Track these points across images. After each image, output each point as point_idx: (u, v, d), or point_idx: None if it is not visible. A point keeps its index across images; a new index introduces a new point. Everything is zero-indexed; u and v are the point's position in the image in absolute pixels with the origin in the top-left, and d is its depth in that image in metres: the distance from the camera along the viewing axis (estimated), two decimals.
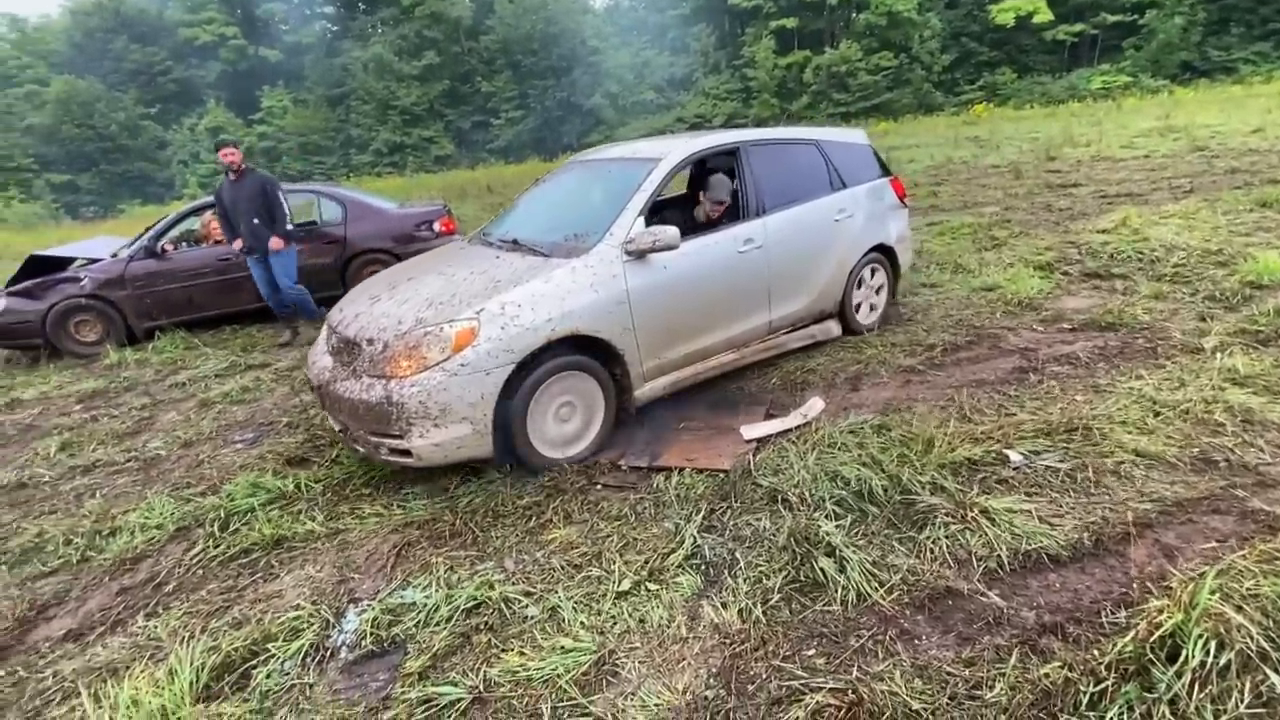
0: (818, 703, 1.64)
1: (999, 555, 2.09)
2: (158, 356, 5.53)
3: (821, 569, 2.07)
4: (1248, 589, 1.75)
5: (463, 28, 37.65)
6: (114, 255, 6.03)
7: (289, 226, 5.26)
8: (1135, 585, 1.92)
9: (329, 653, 2.01)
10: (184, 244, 6.28)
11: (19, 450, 3.95)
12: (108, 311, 5.82)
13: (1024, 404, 3.10)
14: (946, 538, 2.19)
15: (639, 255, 2.99)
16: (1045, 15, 30.98)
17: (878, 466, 2.57)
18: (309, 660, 1.99)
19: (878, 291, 4.37)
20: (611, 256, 2.95)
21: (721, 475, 2.72)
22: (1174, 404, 2.90)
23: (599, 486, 2.79)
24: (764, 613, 1.96)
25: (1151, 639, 1.61)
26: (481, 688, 1.80)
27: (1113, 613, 1.83)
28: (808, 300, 3.85)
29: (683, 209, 4.15)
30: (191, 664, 1.93)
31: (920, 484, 2.45)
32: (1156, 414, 2.84)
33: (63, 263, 6.20)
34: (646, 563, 2.22)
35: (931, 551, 2.14)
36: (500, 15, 36.60)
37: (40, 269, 6.11)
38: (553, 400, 2.85)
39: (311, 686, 1.89)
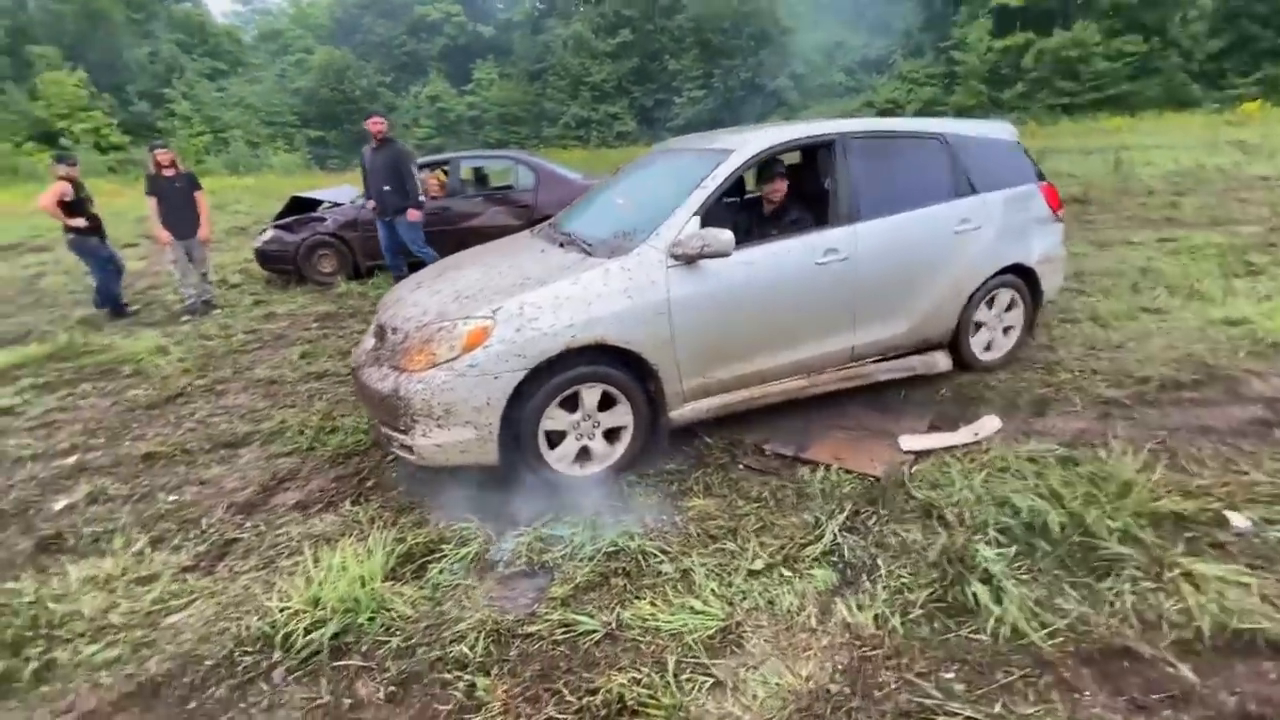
0: None
1: (1198, 626, 1.81)
2: (375, 291, 6.45)
3: (974, 594, 1.94)
4: None
5: (658, 6, 38.28)
6: (352, 201, 7.10)
7: (420, 198, 5.80)
8: None
9: (489, 564, 2.29)
10: None
11: (272, 353, 4.87)
12: (343, 249, 6.89)
13: (1261, 463, 2.60)
14: (1133, 594, 1.93)
15: (688, 260, 2.68)
16: None
17: (1057, 501, 2.32)
18: (473, 566, 2.27)
19: (1007, 327, 3.67)
20: (654, 260, 2.66)
21: (872, 480, 2.62)
22: None
23: (741, 466, 2.82)
24: (902, 624, 1.89)
25: None
26: (615, 625, 1.95)
27: None
28: (907, 326, 3.28)
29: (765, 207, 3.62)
30: (384, 548, 2.29)
31: (1108, 529, 2.17)
32: None
33: (315, 204, 7.43)
34: (782, 548, 2.23)
35: (1111, 605, 1.91)
36: None
37: (298, 208, 7.39)
38: (573, 413, 2.64)
39: (473, 589, 2.17)
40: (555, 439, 2.67)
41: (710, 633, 1.89)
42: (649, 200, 3.20)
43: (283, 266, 6.96)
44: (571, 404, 2.65)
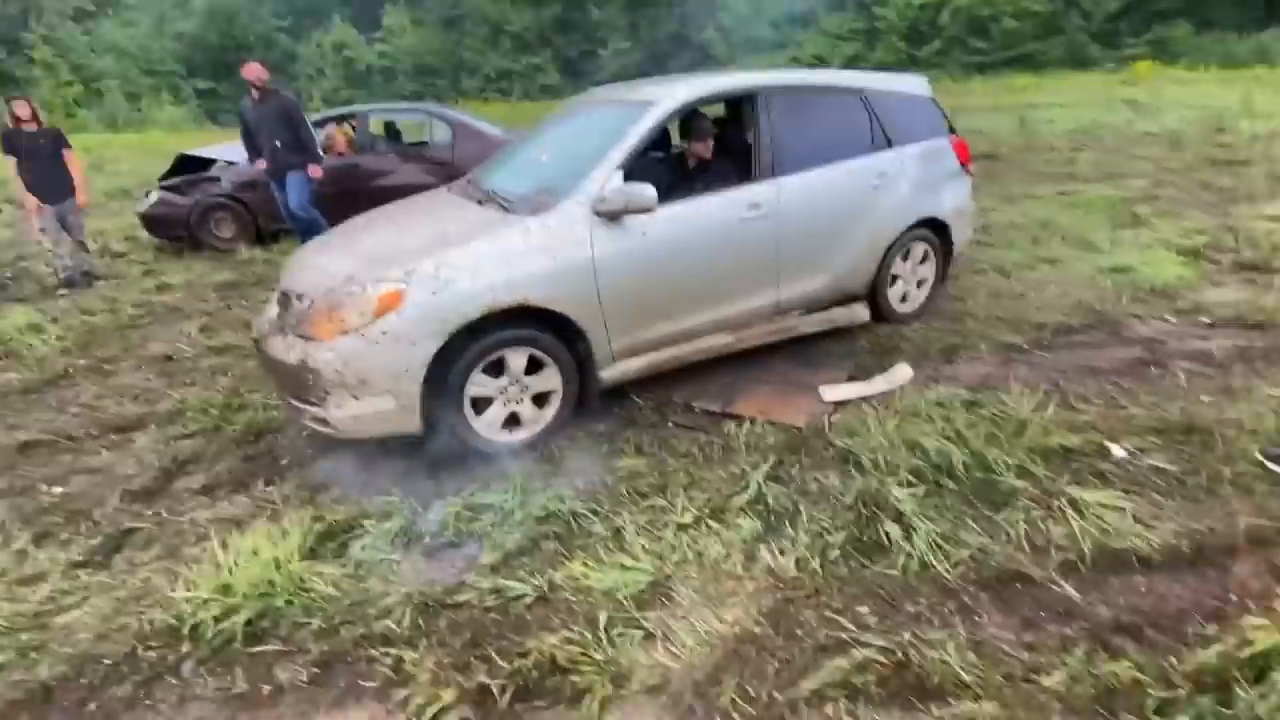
0: (865, 658, 1.66)
1: (1082, 549, 1.99)
2: (281, 256, 6.02)
3: (886, 533, 2.06)
4: None
5: None
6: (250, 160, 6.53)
7: (320, 152, 5.36)
8: (1232, 600, 1.79)
9: (415, 537, 2.23)
10: None
11: (166, 328, 4.49)
12: (242, 212, 6.36)
13: (1139, 398, 2.85)
14: (1026, 523, 2.10)
15: (612, 217, 2.61)
16: None
17: (962, 442, 2.48)
18: (398, 540, 2.21)
19: (920, 280, 3.78)
20: (577, 217, 2.58)
21: (795, 431, 2.71)
22: None
23: (670, 424, 2.85)
24: (821, 565, 1.98)
25: (1240, 655, 1.51)
26: (546, 588, 1.95)
27: (1200, 624, 1.72)
28: (828, 279, 3.33)
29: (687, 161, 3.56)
30: (301, 527, 2.19)
31: (1006, 465, 2.34)
32: None
33: (207, 163, 6.79)
34: (709, 501, 2.28)
35: (1007, 534, 2.07)
36: None
37: (187, 167, 6.74)
38: (498, 377, 2.55)
39: (398, 563, 2.11)
40: (482, 405, 2.59)
41: (641, 587, 1.93)
42: (570, 155, 3.10)
43: (174, 232, 6.38)
44: (497, 369, 2.57)
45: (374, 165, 6.37)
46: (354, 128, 6.56)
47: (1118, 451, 2.46)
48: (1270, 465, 2.33)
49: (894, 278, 3.68)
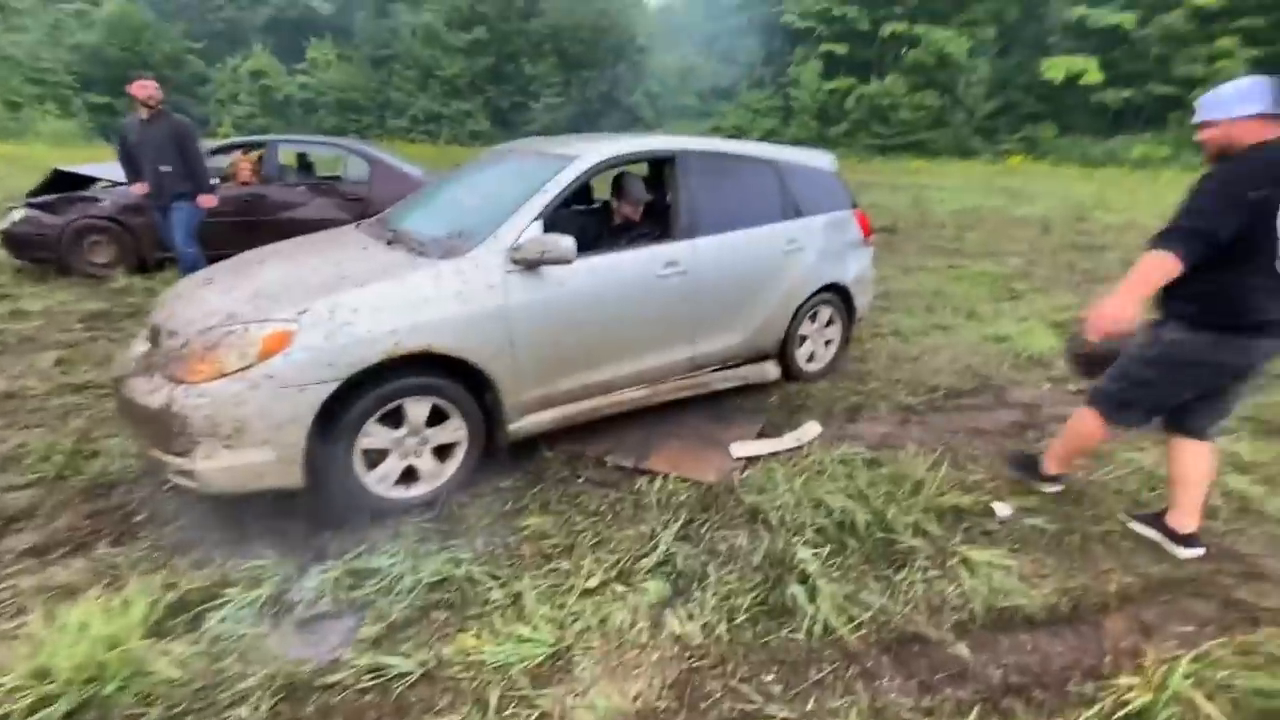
0: None
1: (973, 608, 2.05)
2: (164, 286, 5.51)
3: (792, 595, 2.04)
4: (1221, 679, 1.71)
5: (515, 8, 37.71)
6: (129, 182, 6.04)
7: (213, 182, 5.03)
8: (1108, 659, 1.88)
9: (286, 606, 1.99)
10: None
11: (15, 360, 3.95)
12: (123, 236, 5.82)
13: None
14: (923, 582, 2.15)
15: (529, 266, 2.57)
16: (1095, 76, 30.80)
17: (864, 500, 2.54)
18: (265, 611, 1.96)
19: (827, 340, 3.98)
20: (492, 264, 2.52)
21: (706, 487, 2.69)
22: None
23: (581, 479, 2.76)
24: (728, 631, 1.93)
25: (1116, 715, 1.58)
26: (433, 664, 1.78)
27: (1080, 683, 1.79)
28: (742, 337, 3.44)
29: (611, 217, 3.62)
30: (148, 597, 1.90)
31: (904, 524, 2.41)
32: (1153, 489, 2.80)
33: (86, 181, 6.22)
34: (618, 563, 2.20)
35: (905, 594, 2.11)
36: (554, 1, 36.67)
37: (63, 184, 6.13)
38: (396, 429, 2.40)
39: (263, 638, 1.87)
40: (376, 458, 2.41)
41: (539, 660, 1.79)
42: (488, 201, 3.05)
43: (40, 254, 5.73)
44: (394, 419, 2.41)
45: (281, 196, 6.05)
46: (261, 158, 6.23)
47: (1003, 511, 2.59)
48: (1133, 526, 2.53)
49: (802, 338, 3.83)
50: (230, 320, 2.23)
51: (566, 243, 2.54)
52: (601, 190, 3.81)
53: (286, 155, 6.66)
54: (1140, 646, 1.93)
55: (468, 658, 1.80)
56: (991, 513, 2.58)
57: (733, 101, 37.55)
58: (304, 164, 7.04)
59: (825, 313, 3.90)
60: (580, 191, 3.37)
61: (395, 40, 37.92)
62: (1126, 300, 2.04)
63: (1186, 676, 1.64)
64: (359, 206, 6.18)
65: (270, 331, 2.15)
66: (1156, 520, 2.45)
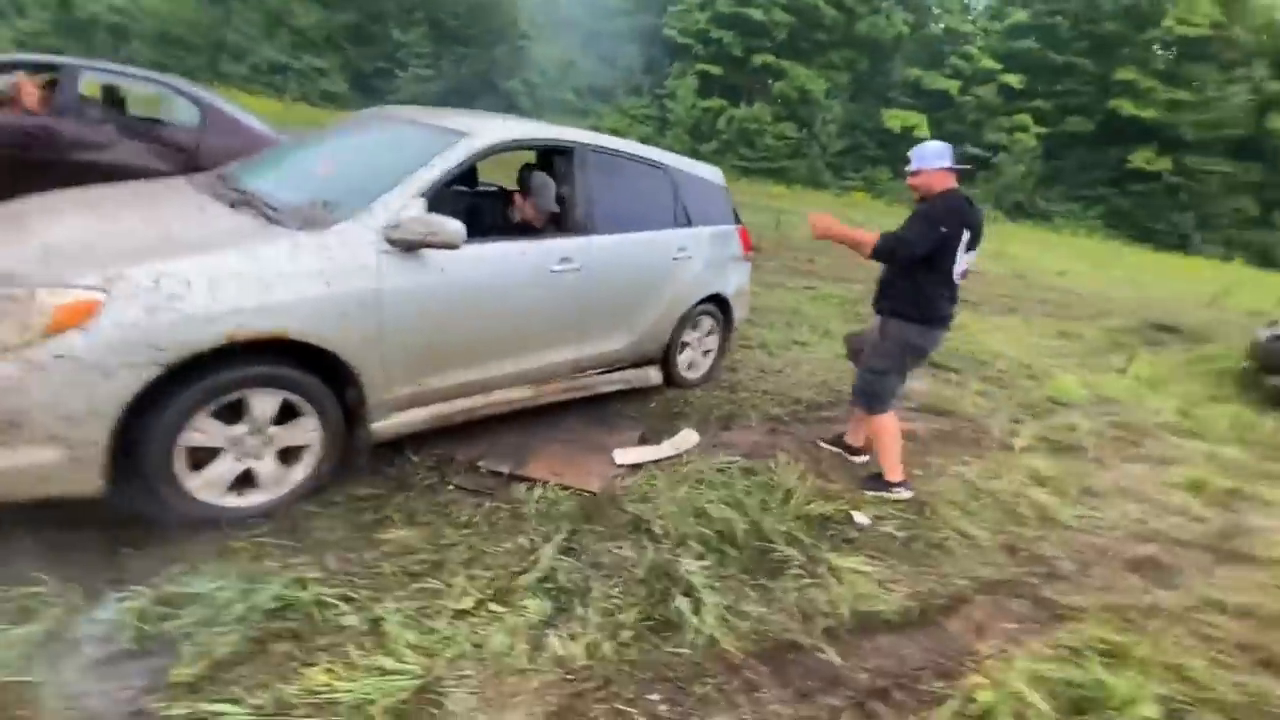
0: None
1: (841, 613, 2.16)
2: None
3: (678, 608, 2.01)
4: (1040, 672, 1.95)
5: None
6: None
7: None
8: (951, 657, 2.07)
9: (70, 645, 1.58)
10: None
11: None
12: None
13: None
14: (797, 590, 2.23)
15: (407, 247, 2.30)
16: (924, 131, 35.26)
17: (741, 509, 2.60)
18: (41, 651, 1.54)
19: (706, 350, 4.03)
20: (364, 240, 2.22)
21: (588, 496, 2.59)
22: (990, 491, 3.25)
23: (451, 487, 2.54)
24: (614, 649, 1.85)
25: (967, 712, 1.73)
26: (272, 708, 1.50)
27: (932, 681, 1.95)
28: (629, 341, 3.38)
29: (505, 207, 3.45)
30: None
31: (778, 532, 2.50)
32: (976, 498, 3.17)
33: None
34: (494, 580, 2.03)
35: (781, 602, 2.17)
36: None
37: None
38: (232, 425, 2.04)
39: (38, 687, 1.46)
40: (203, 457, 2.02)
41: (403, 696, 1.59)
42: (360, 171, 2.72)
43: None
44: (232, 412, 2.03)
45: (77, 133, 4.94)
46: (52, 82, 5.08)
47: (860, 519, 2.79)
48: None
49: (684, 345, 3.87)
50: (6, 281, 1.74)
51: (454, 226, 2.30)
52: (491, 174, 3.57)
53: (90, 86, 5.50)
54: (973, 645, 2.15)
55: (317, 697, 1.54)
56: (852, 520, 2.77)
57: (610, 104, 37.89)
58: (113, 99, 5.83)
59: (706, 323, 3.98)
60: (465, 172, 3.12)
61: None
62: (839, 233, 2.90)
63: (1020, 673, 1.84)
64: (182, 158, 5.24)
65: (68, 300, 1.72)
66: (878, 481, 3.07)
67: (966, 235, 2.73)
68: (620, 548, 2.29)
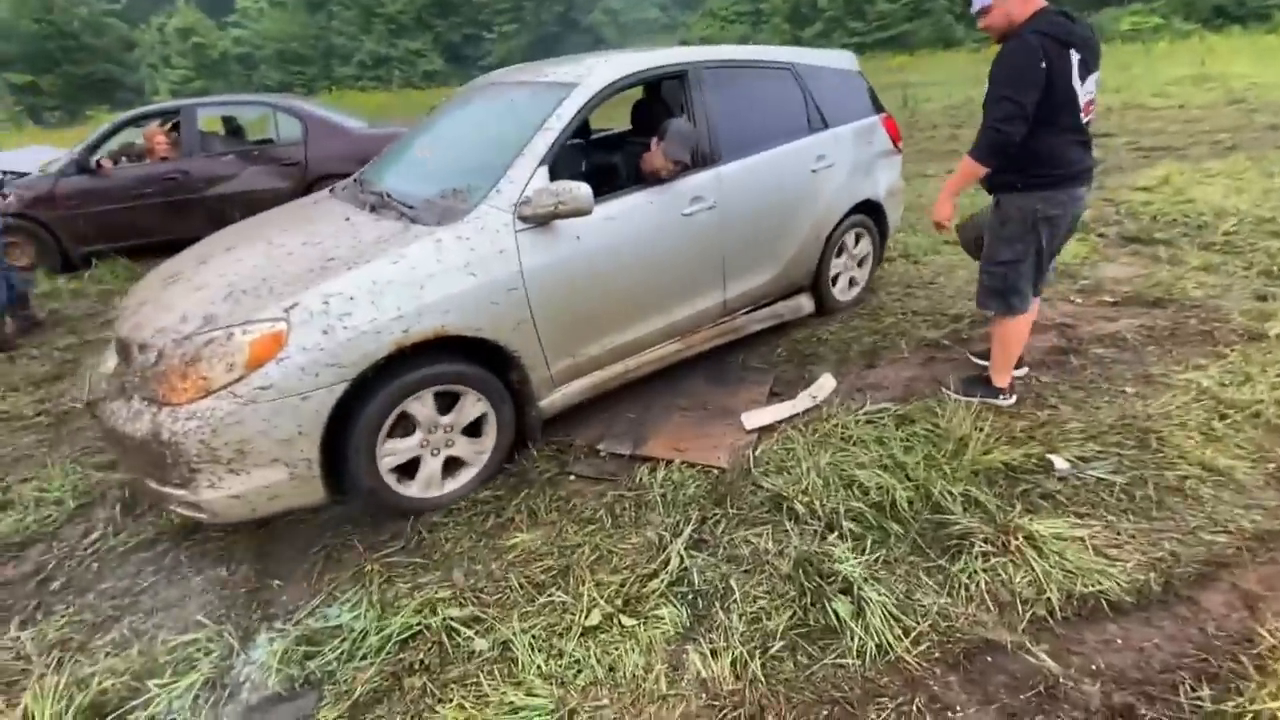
0: None
1: (1049, 598, 1.72)
2: (95, 287, 4.98)
3: (835, 611, 1.70)
4: None
5: None
6: (43, 169, 5.37)
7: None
8: (1217, 650, 1.57)
9: (229, 691, 1.65)
10: (124, 158, 5.61)
11: None
12: (39, 233, 5.21)
13: (1065, 395, 2.69)
14: (985, 570, 1.82)
15: (540, 221, 2.22)
16: None
17: (901, 472, 2.18)
18: (202, 700, 1.62)
19: (860, 261, 3.62)
20: (498, 224, 2.17)
21: (717, 472, 2.32)
22: (1242, 405, 2.50)
23: (572, 477, 2.39)
24: (763, 666, 1.59)
25: None
26: None
27: (1193, 689, 1.48)
28: (774, 272, 3.11)
29: (626, 152, 3.22)
30: (53, 702, 1.55)
31: (952, 496, 2.06)
32: (1223, 417, 2.44)
33: None
34: (623, 586, 1.84)
35: (967, 589, 1.78)
36: None
37: None
38: (408, 436, 2.11)
39: None
40: (411, 467, 2.17)
41: None
42: (481, 149, 2.66)
43: None
44: (404, 427, 2.11)
45: (207, 169, 5.39)
46: (175, 127, 5.52)
47: (1060, 464, 2.24)
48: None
49: (835, 265, 3.48)
50: (207, 325, 1.89)
51: (583, 191, 2.16)
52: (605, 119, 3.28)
53: (209, 121, 5.93)
54: (1250, 628, 1.62)
55: None
56: (1048, 468, 2.23)
57: (697, 10, 35.24)
58: (232, 129, 6.29)
59: (855, 235, 3.53)
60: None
61: None
62: (956, 190, 2.41)
63: None
64: (297, 171, 5.54)
65: (258, 335, 1.82)
66: (978, 384, 2.66)
67: (1076, 57, 2.13)
68: (760, 535, 2.00)
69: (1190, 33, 25.68)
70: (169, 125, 5.51)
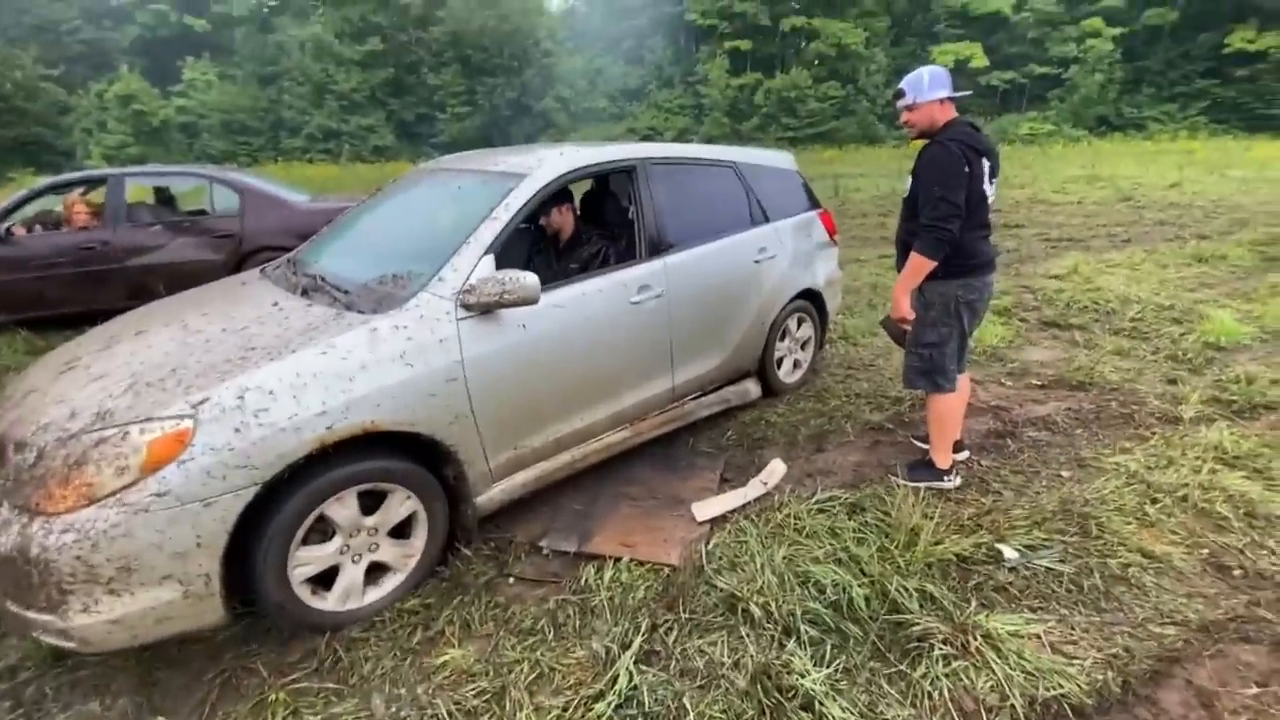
0: None
1: (1013, 705, 1.65)
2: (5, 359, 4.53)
3: None
4: None
5: (411, 16, 36.12)
6: None
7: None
8: None
9: None
10: (38, 226, 5.28)
11: None
12: None
13: (1006, 480, 2.74)
14: (947, 675, 1.74)
15: (484, 310, 2.13)
16: (981, 61, 32.67)
17: (856, 566, 2.12)
18: None
19: (803, 345, 3.73)
20: (438, 312, 2.06)
21: (667, 571, 2.20)
22: (1169, 488, 2.59)
23: (511, 580, 2.21)
24: None
25: None
26: None
27: None
28: (721, 359, 3.14)
29: (573, 240, 3.14)
30: None
31: (908, 593, 2.00)
32: (1154, 500, 2.52)
33: None
34: (565, 711, 1.66)
35: (930, 697, 1.69)
36: (451, 8, 35.36)
37: None
38: (337, 529, 1.91)
39: None
40: (328, 577, 1.95)
41: None
42: (424, 234, 2.60)
43: None
44: (321, 530, 1.90)
45: (129, 239, 5.11)
46: (97, 196, 5.26)
47: (1009, 554, 2.23)
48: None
49: (779, 350, 3.57)
50: (100, 422, 1.66)
51: (529, 280, 2.10)
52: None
53: (135, 190, 5.69)
54: None
55: None
56: (997, 557, 2.22)
57: (643, 102, 37.50)
58: (164, 199, 6.07)
59: (799, 318, 3.64)
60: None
61: (283, 56, 35.66)
62: (909, 287, 2.47)
63: None
64: (230, 244, 5.33)
65: (159, 435, 1.61)
66: (922, 467, 2.71)
67: (987, 164, 2.38)
68: (714, 644, 1.86)
69: (1080, 138, 29.05)
70: (93, 193, 5.25)
